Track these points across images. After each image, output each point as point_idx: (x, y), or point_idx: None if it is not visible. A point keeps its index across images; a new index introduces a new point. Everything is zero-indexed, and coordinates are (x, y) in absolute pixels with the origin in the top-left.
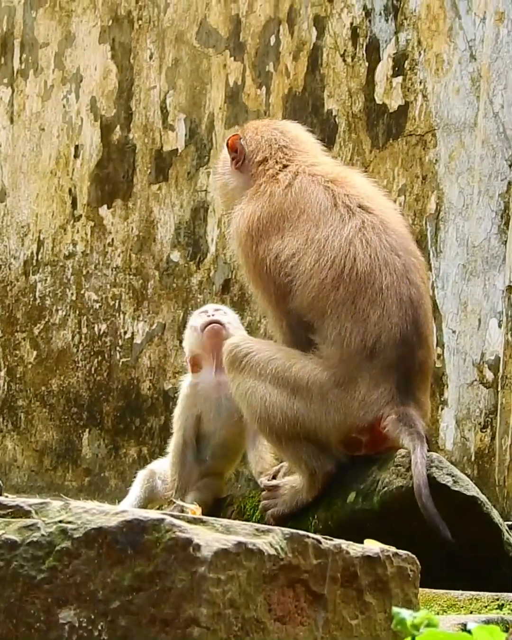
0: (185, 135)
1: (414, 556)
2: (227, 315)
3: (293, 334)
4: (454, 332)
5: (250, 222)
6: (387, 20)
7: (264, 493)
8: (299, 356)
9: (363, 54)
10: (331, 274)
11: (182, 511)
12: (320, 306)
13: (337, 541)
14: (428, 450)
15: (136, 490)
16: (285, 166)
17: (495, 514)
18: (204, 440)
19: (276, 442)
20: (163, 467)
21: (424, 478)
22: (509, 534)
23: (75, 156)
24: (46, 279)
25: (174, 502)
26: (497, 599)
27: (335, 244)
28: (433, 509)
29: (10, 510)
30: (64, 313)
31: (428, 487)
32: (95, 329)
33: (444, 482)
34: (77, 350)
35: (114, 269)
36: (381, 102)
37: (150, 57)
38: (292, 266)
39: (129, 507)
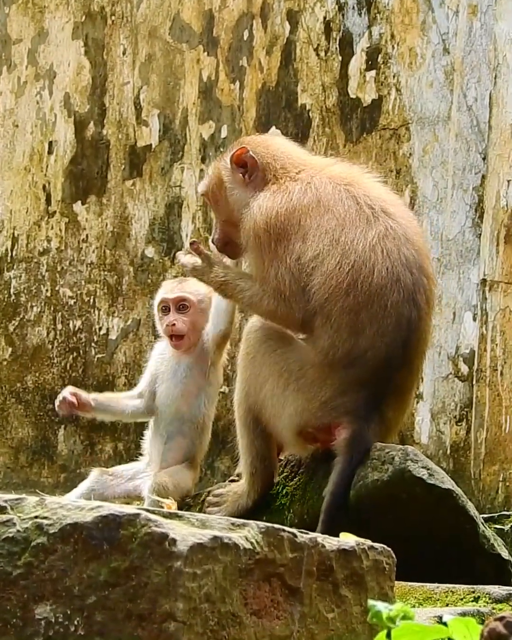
0: (159, 130)
1: (389, 549)
2: (191, 298)
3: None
4: None
5: (269, 219)
6: (360, 14)
7: (209, 498)
8: (291, 342)
9: (336, 48)
10: (348, 279)
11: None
12: (328, 310)
13: (312, 535)
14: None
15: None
16: (302, 170)
17: (470, 507)
18: (160, 414)
19: (240, 424)
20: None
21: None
22: (485, 527)
23: (49, 152)
24: (21, 276)
25: (150, 497)
26: (473, 592)
27: (359, 247)
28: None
29: None
30: (38, 309)
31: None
32: (70, 325)
33: (419, 475)
34: (52, 347)
35: (88, 265)
36: (354, 96)
37: (124, 53)
38: (313, 268)
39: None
